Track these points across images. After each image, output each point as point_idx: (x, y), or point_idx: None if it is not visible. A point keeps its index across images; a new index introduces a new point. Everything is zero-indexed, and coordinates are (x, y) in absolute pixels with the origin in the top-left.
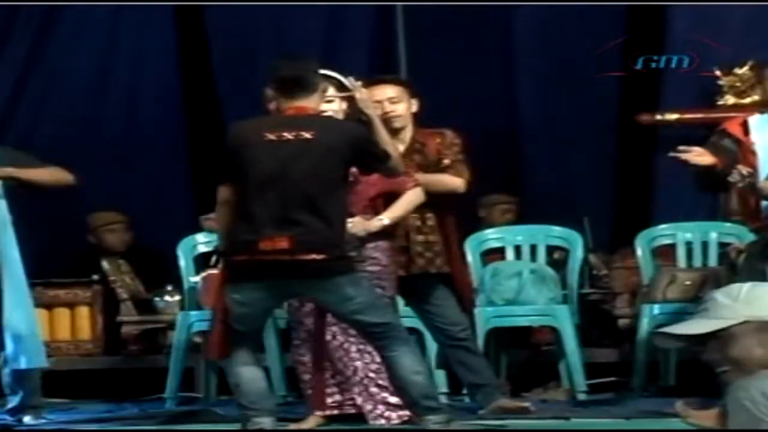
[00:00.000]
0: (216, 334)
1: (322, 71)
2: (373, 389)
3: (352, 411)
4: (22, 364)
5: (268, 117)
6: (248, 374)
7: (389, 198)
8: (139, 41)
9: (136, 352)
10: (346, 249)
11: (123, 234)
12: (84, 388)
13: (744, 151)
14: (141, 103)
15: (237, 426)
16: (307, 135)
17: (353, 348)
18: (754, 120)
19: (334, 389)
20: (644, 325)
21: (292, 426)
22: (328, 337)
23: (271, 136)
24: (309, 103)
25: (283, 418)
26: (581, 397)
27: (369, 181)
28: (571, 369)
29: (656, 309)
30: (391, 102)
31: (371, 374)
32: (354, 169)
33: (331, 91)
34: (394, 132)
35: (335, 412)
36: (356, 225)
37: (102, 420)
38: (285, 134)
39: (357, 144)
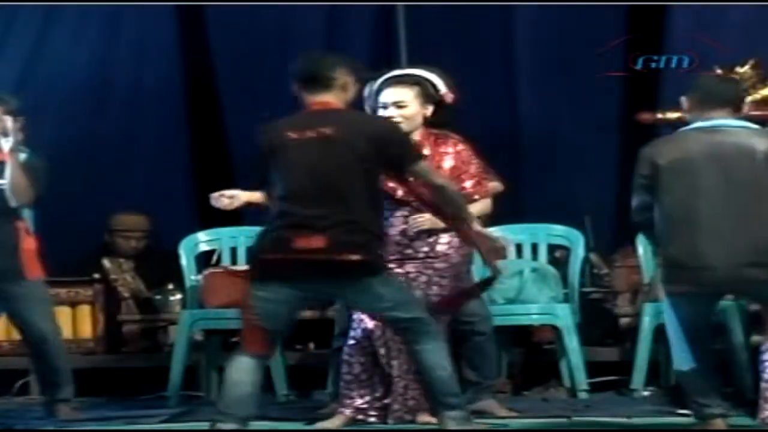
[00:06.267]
0: (248, 332)
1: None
2: (400, 389)
3: (374, 414)
4: None
5: (293, 116)
6: (235, 377)
7: None
8: (139, 40)
9: (137, 350)
10: (378, 249)
11: (137, 242)
12: (85, 386)
13: None
14: (142, 101)
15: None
16: (328, 131)
17: (394, 346)
18: None
19: (363, 391)
20: (645, 324)
21: (318, 424)
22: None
23: (294, 135)
24: (330, 98)
25: (285, 417)
26: (582, 396)
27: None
28: (572, 368)
29: (657, 308)
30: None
31: (405, 374)
32: None
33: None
34: None
35: (359, 416)
36: (427, 221)
37: (103, 419)
38: (307, 132)
39: (377, 139)
